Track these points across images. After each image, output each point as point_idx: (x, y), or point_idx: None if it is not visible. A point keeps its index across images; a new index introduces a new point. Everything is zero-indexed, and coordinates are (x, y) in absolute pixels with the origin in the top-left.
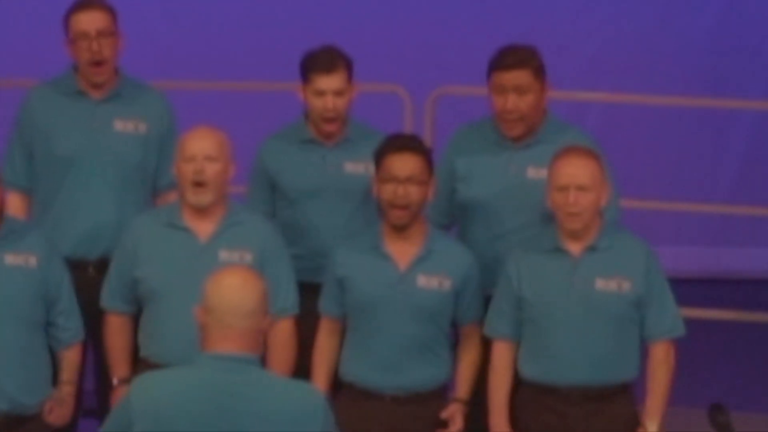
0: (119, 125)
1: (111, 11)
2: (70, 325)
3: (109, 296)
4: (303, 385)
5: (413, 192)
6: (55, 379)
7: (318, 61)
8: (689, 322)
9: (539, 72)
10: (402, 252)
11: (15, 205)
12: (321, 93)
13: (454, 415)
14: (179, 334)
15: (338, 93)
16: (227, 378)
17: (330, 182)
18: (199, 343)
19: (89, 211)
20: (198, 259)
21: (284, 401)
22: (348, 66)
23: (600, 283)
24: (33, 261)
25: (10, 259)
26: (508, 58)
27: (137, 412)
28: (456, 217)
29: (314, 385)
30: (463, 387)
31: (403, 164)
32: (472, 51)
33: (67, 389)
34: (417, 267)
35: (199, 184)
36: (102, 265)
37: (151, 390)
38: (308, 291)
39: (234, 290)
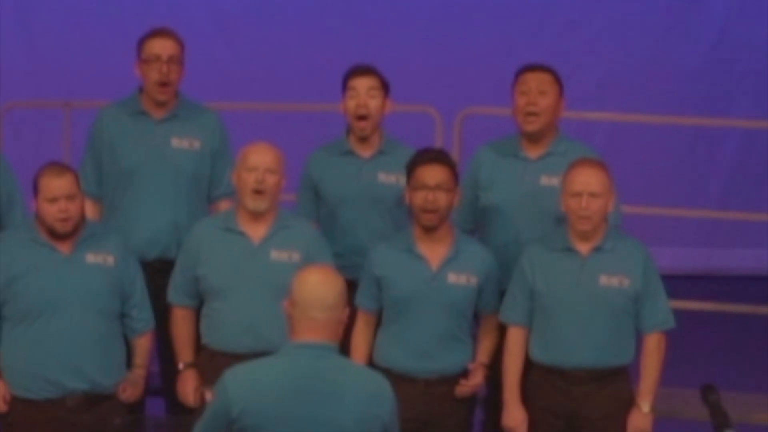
0: (175, 142)
1: (181, 43)
2: (143, 316)
3: (174, 292)
4: (376, 373)
5: (441, 198)
6: (128, 363)
7: (355, 67)
8: (685, 314)
9: (558, 80)
10: (433, 253)
11: (87, 210)
12: (355, 93)
13: (477, 370)
14: (236, 325)
15: (371, 94)
16: (312, 363)
17: (364, 191)
18: (287, 333)
19: (148, 218)
20: (252, 258)
21: (361, 384)
22: (382, 79)
23: (603, 280)
24: (111, 260)
25: (91, 258)
26: (534, 64)
27: (235, 400)
28: (478, 222)
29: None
30: (484, 353)
31: (433, 174)
32: (494, 76)
33: (139, 372)
34: (447, 266)
35: (259, 192)
36: (159, 264)
37: (246, 379)
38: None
39: (316, 286)
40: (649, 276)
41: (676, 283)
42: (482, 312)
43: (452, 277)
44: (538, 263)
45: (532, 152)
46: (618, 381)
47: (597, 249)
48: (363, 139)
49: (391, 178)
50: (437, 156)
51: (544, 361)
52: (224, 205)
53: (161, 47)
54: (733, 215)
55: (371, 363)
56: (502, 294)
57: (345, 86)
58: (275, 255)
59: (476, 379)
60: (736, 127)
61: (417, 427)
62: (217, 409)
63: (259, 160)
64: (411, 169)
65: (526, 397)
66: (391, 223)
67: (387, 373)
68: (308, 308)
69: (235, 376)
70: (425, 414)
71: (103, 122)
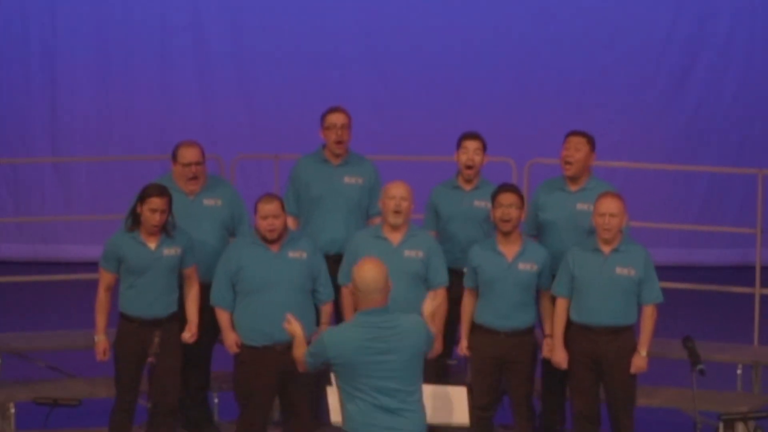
0: (346, 180)
1: (349, 116)
2: (326, 291)
3: (342, 276)
4: (415, 315)
5: (512, 212)
6: (318, 322)
7: (467, 133)
8: (672, 291)
9: (589, 141)
10: (509, 250)
11: (290, 223)
12: (466, 150)
13: (546, 344)
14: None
15: (476, 152)
16: (376, 319)
17: (464, 211)
18: (354, 305)
19: (329, 228)
20: (392, 255)
21: (409, 324)
22: (484, 142)
23: (618, 270)
24: (304, 255)
25: (291, 254)
26: (573, 131)
27: (329, 347)
28: (539, 230)
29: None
30: (548, 325)
31: (506, 197)
32: (553, 137)
33: (324, 328)
34: (518, 258)
35: (396, 212)
36: (338, 257)
37: (336, 334)
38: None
39: (371, 273)
40: (648, 268)
41: (666, 272)
42: (542, 288)
43: (521, 265)
44: (577, 258)
45: (572, 187)
46: (626, 335)
47: (615, 250)
48: (468, 180)
49: (482, 203)
50: (510, 188)
51: (579, 321)
52: (376, 221)
53: (337, 118)
54: (704, 228)
55: (473, 321)
56: (552, 276)
57: (459, 144)
58: (407, 253)
59: (547, 349)
60: (706, 171)
61: (498, 363)
62: (318, 351)
63: (396, 191)
64: (494, 196)
65: (567, 344)
66: (481, 232)
67: (479, 327)
68: (369, 292)
69: (330, 333)
70: (504, 354)
71: (300, 167)
